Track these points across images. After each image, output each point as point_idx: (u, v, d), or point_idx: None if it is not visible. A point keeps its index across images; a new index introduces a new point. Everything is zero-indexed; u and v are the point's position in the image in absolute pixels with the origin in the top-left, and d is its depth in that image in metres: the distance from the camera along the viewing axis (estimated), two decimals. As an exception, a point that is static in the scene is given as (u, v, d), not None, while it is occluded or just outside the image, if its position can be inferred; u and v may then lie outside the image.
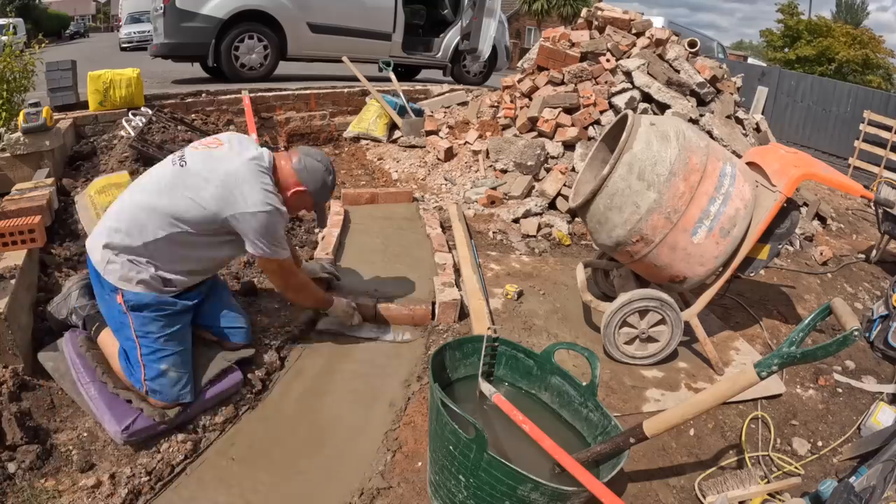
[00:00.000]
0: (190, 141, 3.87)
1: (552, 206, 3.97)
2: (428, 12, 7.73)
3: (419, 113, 5.47)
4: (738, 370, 2.09)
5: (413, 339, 2.44)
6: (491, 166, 4.38)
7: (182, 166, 1.87)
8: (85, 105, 4.04)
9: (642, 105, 4.26)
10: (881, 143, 8.10)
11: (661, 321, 2.39)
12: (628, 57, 4.55)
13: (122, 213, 1.84)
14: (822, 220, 4.60)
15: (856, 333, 1.49)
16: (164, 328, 1.84)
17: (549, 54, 4.77)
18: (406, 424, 1.98)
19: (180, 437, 1.80)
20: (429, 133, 5.13)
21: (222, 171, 1.85)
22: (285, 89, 5.32)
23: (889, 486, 1.61)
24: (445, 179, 4.41)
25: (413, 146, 5.02)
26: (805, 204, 4.44)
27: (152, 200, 1.82)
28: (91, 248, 1.87)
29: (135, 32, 16.43)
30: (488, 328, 1.88)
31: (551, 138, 4.34)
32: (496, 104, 5.21)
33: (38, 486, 1.60)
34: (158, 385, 1.77)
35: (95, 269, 1.84)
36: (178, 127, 4.08)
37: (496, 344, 1.87)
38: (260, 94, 5.07)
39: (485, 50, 6.90)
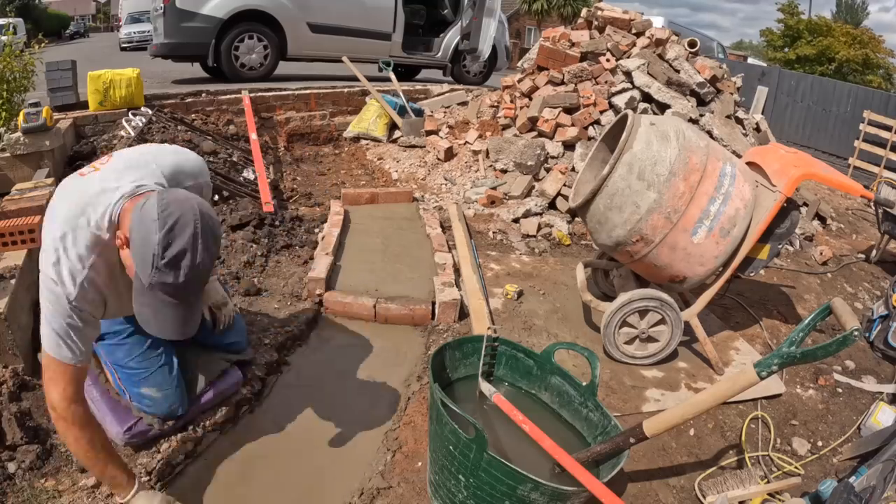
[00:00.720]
0: (190, 141, 3.89)
1: (552, 206, 3.97)
2: (428, 12, 7.73)
3: (419, 113, 5.47)
4: (738, 370, 2.09)
5: None
6: (491, 166, 4.38)
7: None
8: (85, 105, 4.04)
9: (642, 105, 4.26)
10: (881, 143, 8.09)
11: (661, 321, 2.39)
12: (628, 57, 4.56)
13: None
14: (822, 220, 4.60)
15: (856, 333, 1.49)
16: (132, 351, 1.73)
17: (549, 54, 4.77)
18: (406, 424, 1.98)
19: (180, 437, 1.80)
20: (429, 133, 5.13)
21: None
22: (285, 89, 5.32)
23: (889, 486, 1.61)
24: (445, 179, 4.41)
25: (413, 146, 5.02)
26: (805, 204, 4.44)
27: None
28: None
29: (135, 32, 16.42)
30: (488, 328, 1.88)
31: (551, 138, 4.34)
32: (496, 104, 5.21)
33: (38, 486, 1.60)
34: (146, 407, 1.74)
35: None
36: (178, 127, 4.08)
37: (496, 344, 1.87)
38: (260, 94, 5.07)
39: (485, 50, 6.90)
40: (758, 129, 4.85)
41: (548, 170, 4.20)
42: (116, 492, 1.45)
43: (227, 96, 4.87)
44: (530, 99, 4.69)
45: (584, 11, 5.22)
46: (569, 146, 4.28)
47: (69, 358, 1.35)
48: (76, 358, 1.36)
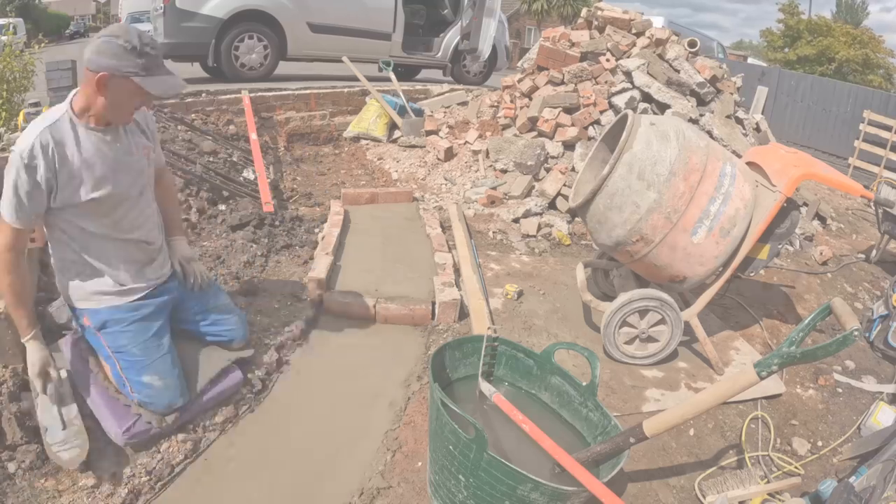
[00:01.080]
0: (190, 141, 3.89)
1: (552, 206, 3.97)
2: (428, 12, 7.73)
3: (419, 113, 5.47)
4: (738, 370, 2.10)
5: (74, 460, 1.62)
6: (491, 166, 4.38)
7: None
8: (85, 105, 4.03)
9: (642, 105, 4.26)
10: (881, 143, 8.09)
11: (661, 321, 2.39)
12: (628, 57, 4.56)
13: None
14: (822, 219, 4.60)
15: (856, 333, 1.49)
16: (136, 338, 1.79)
17: (549, 54, 4.77)
18: (406, 424, 1.98)
19: (180, 437, 1.80)
20: (429, 133, 5.13)
21: None
22: (285, 89, 5.32)
23: (889, 486, 1.61)
24: (445, 179, 4.41)
25: (413, 146, 5.01)
26: (805, 204, 4.44)
27: None
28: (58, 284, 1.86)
29: (135, 32, 16.40)
30: (488, 328, 1.88)
31: (551, 138, 4.33)
32: (496, 104, 5.21)
33: (38, 485, 1.60)
34: (147, 397, 1.75)
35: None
36: (178, 127, 4.08)
37: (496, 344, 1.87)
38: (260, 94, 5.07)
39: (485, 50, 6.90)
40: (758, 129, 4.85)
41: (548, 170, 4.20)
42: (20, 332, 1.73)
43: (227, 96, 4.86)
44: (530, 99, 4.69)
45: (584, 11, 5.22)
46: (569, 146, 4.28)
47: (8, 216, 1.61)
48: (12, 217, 1.61)
